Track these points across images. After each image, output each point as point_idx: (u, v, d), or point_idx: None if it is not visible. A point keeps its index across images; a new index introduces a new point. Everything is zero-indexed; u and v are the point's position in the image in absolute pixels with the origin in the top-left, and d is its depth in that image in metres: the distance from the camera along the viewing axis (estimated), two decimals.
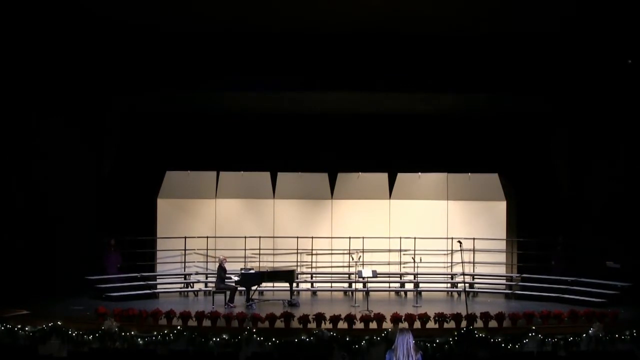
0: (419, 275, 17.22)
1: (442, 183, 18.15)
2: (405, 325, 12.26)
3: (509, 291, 17.04)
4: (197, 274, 17.56)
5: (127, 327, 11.96)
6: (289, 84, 15.53)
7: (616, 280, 15.46)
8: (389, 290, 17.91)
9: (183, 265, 17.52)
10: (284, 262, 17.74)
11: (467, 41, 15.12)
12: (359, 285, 16.50)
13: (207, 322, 12.50)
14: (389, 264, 17.84)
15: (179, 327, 12.00)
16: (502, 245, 17.72)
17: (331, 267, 18.10)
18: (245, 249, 17.52)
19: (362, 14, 14.08)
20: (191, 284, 17.52)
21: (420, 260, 16.38)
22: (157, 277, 17.40)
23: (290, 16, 14.20)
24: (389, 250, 17.90)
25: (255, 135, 18.15)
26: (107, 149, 17.75)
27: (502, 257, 17.73)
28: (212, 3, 13.71)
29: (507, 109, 17.62)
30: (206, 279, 17.53)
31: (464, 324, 12.28)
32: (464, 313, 12.62)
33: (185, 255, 17.46)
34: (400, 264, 17.73)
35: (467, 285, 16.52)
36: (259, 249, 17.64)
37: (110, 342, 11.72)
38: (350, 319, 12.34)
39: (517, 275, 17.33)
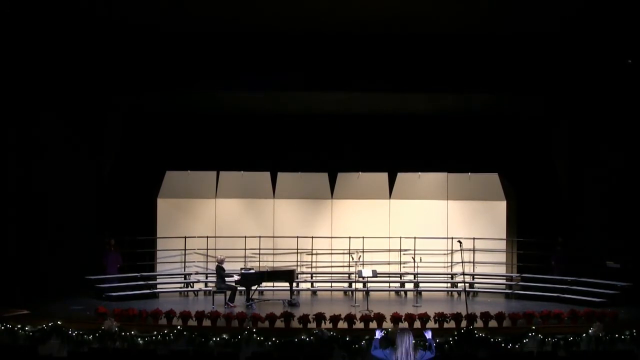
0: (419, 275, 17.22)
1: (442, 183, 18.14)
2: (405, 325, 12.27)
3: (509, 291, 17.04)
4: (197, 273, 17.55)
5: (127, 327, 11.95)
6: (289, 84, 15.50)
7: (616, 280, 15.45)
8: (389, 290, 17.91)
9: (183, 265, 17.52)
10: (284, 262, 17.74)
11: (467, 41, 15.10)
12: (359, 285, 16.50)
13: (207, 322, 12.50)
14: (389, 264, 17.83)
15: (179, 327, 12.00)
16: (502, 245, 17.72)
17: (331, 267, 18.10)
18: (245, 249, 17.52)
19: (362, 14, 14.06)
20: (191, 284, 17.52)
21: (420, 260, 16.39)
22: (157, 277, 17.40)
23: (290, 16, 14.18)
24: (389, 250, 17.90)
25: (255, 135, 18.16)
26: (107, 148, 17.76)
27: (502, 257, 17.72)
28: (211, 3, 13.70)
29: (507, 110, 17.63)
30: (206, 278, 17.53)
31: (464, 323, 12.29)
32: (464, 313, 12.63)
33: (185, 255, 17.46)
34: (400, 263, 17.72)
35: (467, 285, 16.52)
36: (259, 249, 17.64)
37: (110, 342, 11.73)
38: (350, 318, 12.34)
39: (517, 275, 17.33)
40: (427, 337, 8.17)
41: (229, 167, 18.19)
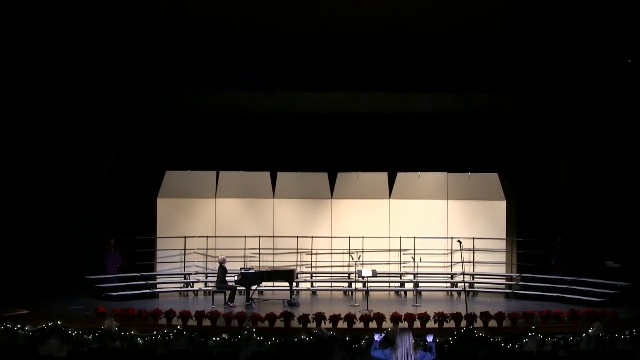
0: (419, 275, 17.22)
1: (442, 183, 18.13)
2: (405, 325, 12.27)
3: (509, 291, 17.04)
4: (197, 273, 17.55)
5: (127, 327, 11.96)
6: (289, 84, 15.52)
7: (616, 280, 15.46)
8: (389, 290, 17.91)
9: (183, 265, 17.52)
10: (284, 262, 17.73)
11: (467, 41, 15.11)
12: (359, 285, 16.50)
13: (207, 322, 12.50)
14: (389, 264, 17.83)
15: (179, 327, 12.01)
16: (502, 245, 17.72)
17: (331, 267, 18.10)
18: (245, 249, 17.51)
19: (362, 14, 14.07)
20: (191, 284, 17.52)
21: (420, 260, 16.39)
22: (157, 277, 17.40)
23: (290, 16, 14.19)
24: (389, 250, 17.90)
25: (255, 135, 18.16)
26: (108, 148, 17.76)
27: (502, 257, 17.72)
28: (211, 3, 13.71)
29: (507, 110, 17.63)
30: (206, 278, 17.53)
31: (464, 323, 12.29)
32: (464, 313, 12.63)
33: (185, 255, 17.46)
34: (400, 263, 17.72)
35: (467, 285, 16.52)
36: (259, 249, 17.64)
37: (110, 342, 11.74)
38: (350, 319, 12.34)
39: (517, 275, 17.33)
40: (429, 341, 8.15)
41: (229, 167, 18.19)
